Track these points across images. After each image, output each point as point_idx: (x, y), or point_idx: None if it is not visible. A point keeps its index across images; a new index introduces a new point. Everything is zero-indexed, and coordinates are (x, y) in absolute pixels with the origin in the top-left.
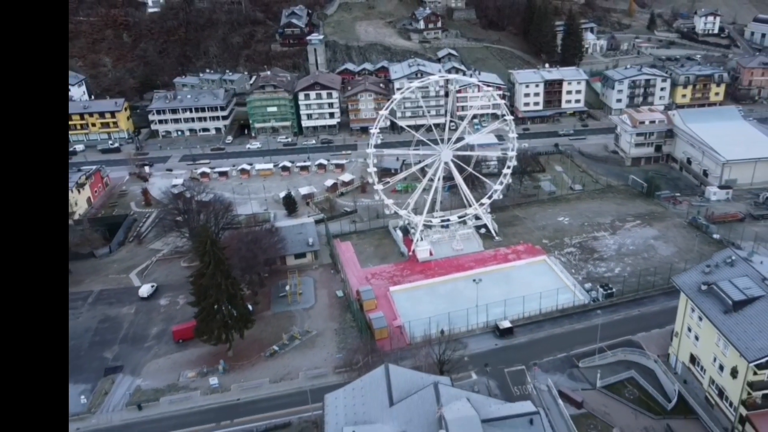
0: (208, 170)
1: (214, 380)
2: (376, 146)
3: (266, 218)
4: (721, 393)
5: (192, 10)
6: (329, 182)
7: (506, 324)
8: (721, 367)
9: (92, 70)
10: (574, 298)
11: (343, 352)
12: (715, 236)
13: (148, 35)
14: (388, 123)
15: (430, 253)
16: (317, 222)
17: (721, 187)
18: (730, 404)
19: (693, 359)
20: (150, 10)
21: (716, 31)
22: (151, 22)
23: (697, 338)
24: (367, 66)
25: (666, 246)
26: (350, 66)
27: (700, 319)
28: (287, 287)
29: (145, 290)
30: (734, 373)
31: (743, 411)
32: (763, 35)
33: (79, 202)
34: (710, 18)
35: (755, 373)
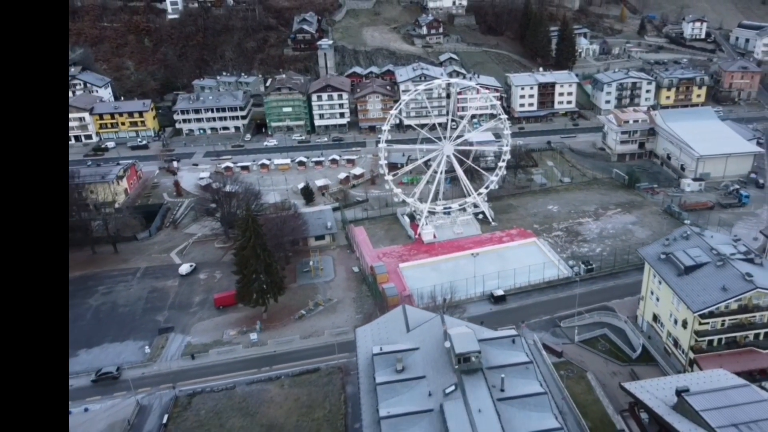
0: (231, 165)
1: (254, 336)
2: (386, 142)
3: (289, 206)
4: (675, 343)
5: (209, 16)
6: (342, 175)
7: (500, 292)
8: (675, 321)
9: (116, 72)
10: (559, 272)
11: (361, 314)
12: (686, 222)
13: (168, 40)
14: (397, 121)
15: (434, 236)
16: (333, 210)
17: (694, 179)
18: (683, 351)
19: (655, 318)
20: (170, 16)
21: (703, 36)
22: (171, 27)
23: (657, 299)
24: (374, 69)
25: (642, 230)
26: (358, 69)
27: (660, 282)
28: (310, 263)
29: (184, 269)
30: (684, 324)
31: (692, 355)
32: (747, 40)
33: (119, 192)
34: (697, 24)
35: (700, 323)
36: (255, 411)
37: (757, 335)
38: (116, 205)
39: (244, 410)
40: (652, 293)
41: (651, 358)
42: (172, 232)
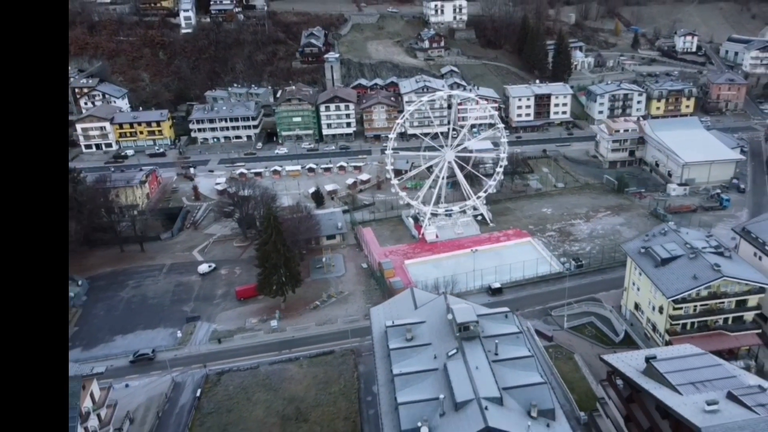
0: (245, 171)
1: (274, 323)
2: (392, 149)
3: (303, 208)
4: (654, 327)
5: (221, 31)
6: (350, 181)
7: (497, 285)
8: (653, 308)
9: (132, 84)
10: (551, 268)
11: (370, 304)
12: (670, 224)
13: (182, 53)
14: (402, 130)
15: (436, 236)
16: (343, 212)
17: (680, 184)
18: (660, 335)
19: (636, 306)
20: (183, 31)
21: (694, 49)
22: (184, 41)
23: (638, 289)
24: (378, 81)
25: (629, 230)
26: (363, 81)
27: (640, 274)
28: (323, 260)
29: (203, 268)
30: (661, 310)
31: (668, 338)
32: (736, 53)
33: (141, 196)
34: (688, 38)
35: (674, 309)
36: (278, 386)
37: (726, 320)
38: (139, 208)
39: (267, 386)
40: (633, 284)
41: (632, 342)
42: (192, 233)
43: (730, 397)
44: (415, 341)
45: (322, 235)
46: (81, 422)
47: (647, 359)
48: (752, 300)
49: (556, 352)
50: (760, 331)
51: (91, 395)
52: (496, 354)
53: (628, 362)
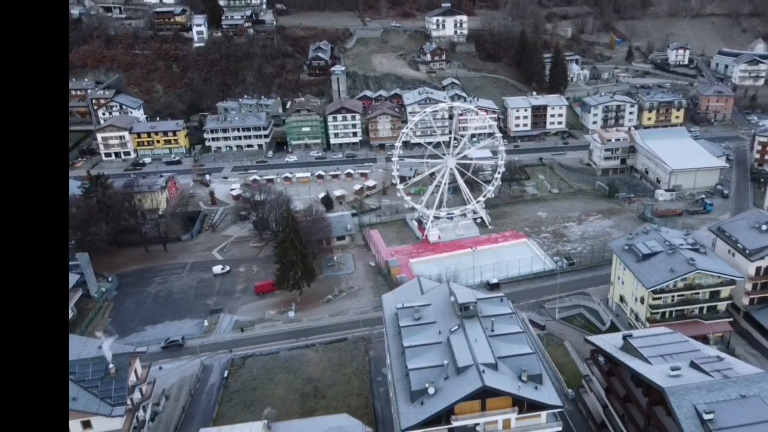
0: (257, 178)
1: (291, 314)
2: (398, 157)
3: (316, 211)
4: (636, 317)
5: (232, 44)
6: (357, 187)
7: (494, 281)
8: (636, 299)
9: (146, 95)
10: (545, 266)
11: (378, 298)
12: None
13: (194, 66)
14: (407, 139)
15: (439, 237)
16: (352, 215)
17: (667, 190)
18: (641, 323)
19: (621, 298)
20: (196, 45)
21: (686, 62)
22: (197, 55)
23: (623, 282)
24: (383, 93)
25: (618, 232)
26: (368, 93)
27: (624, 268)
28: (334, 258)
29: (217, 269)
30: (642, 300)
31: (648, 326)
32: (726, 66)
33: (161, 201)
34: (680, 51)
35: (653, 299)
36: (297, 369)
37: (701, 309)
38: (160, 212)
39: (287, 368)
40: (618, 278)
41: (617, 330)
42: (211, 234)
43: (693, 365)
44: (422, 320)
45: (332, 236)
46: (128, 393)
47: (624, 337)
48: (724, 291)
49: (548, 339)
50: (731, 319)
51: (135, 372)
52: (492, 330)
53: (609, 341)
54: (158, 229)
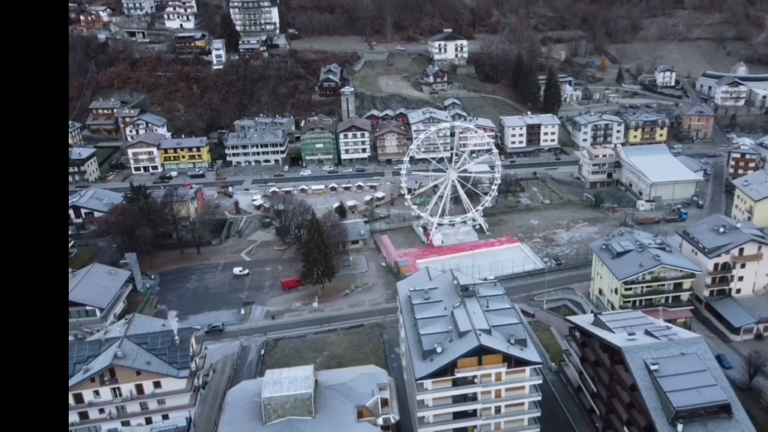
0: (276, 189)
1: (315, 304)
2: (405, 171)
3: (333, 218)
4: (612, 306)
5: (248, 67)
6: (367, 197)
7: (491, 278)
8: (611, 290)
9: (169, 114)
10: (535, 265)
11: (389, 292)
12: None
13: (213, 87)
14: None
15: (442, 242)
16: (364, 222)
17: (647, 200)
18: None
19: (600, 291)
20: (215, 67)
21: (672, 83)
22: (215, 76)
23: (601, 277)
24: (389, 112)
25: (602, 237)
26: (375, 112)
27: (601, 264)
28: (350, 259)
29: (236, 270)
30: (616, 291)
31: None
32: (710, 87)
33: (192, 210)
34: (667, 73)
35: (625, 289)
36: (322, 348)
37: (667, 298)
38: (191, 219)
39: (314, 348)
40: (597, 273)
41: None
42: (238, 239)
43: (646, 332)
44: (431, 300)
45: (348, 240)
46: (190, 361)
47: (595, 315)
48: (686, 283)
49: (536, 325)
50: (692, 307)
51: (192, 346)
52: (487, 306)
53: (583, 320)
54: (193, 234)
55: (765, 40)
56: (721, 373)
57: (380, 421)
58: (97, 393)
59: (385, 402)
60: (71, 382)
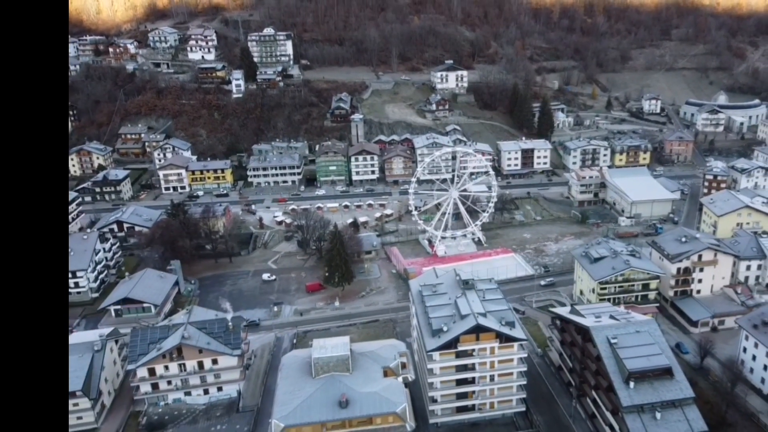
0: (295, 207)
1: (336, 303)
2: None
3: (349, 232)
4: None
5: (265, 96)
6: (377, 214)
7: None
8: (590, 290)
9: (192, 139)
10: (526, 272)
11: (400, 293)
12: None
13: (233, 114)
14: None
15: (445, 252)
16: (377, 235)
17: (628, 217)
18: None
19: (581, 292)
20: (234, 95)
21: (658, 110)
22: (235, 104)
23: (581, 279)
24: (395, 137)
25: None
26: (382, 137)
27: (582, 269)
28: (365, 266)
29: (265, 276)
30: (593, 290)
31: None
32: (692, 114)
33: (221, 225)
34: (653, 101)
35: (601, 289)
36: None
37: (636, 297)
38: (221, 233)
39: None
40: (579, 276)
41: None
42: (264, 250)
43: (610, 317)
44: (438, 292)
45: (362, 250)
46: (241, 343)
47: (571, 305)
48: (653, 284)
49: (526, 320)
50: (659, 305)
51: (241, 331)
52: (484, 297)
53: (563, 311)
54: (226, 245)
55: (746, 70)
56: (667, 346)
57: (400, 379)
58: (166, 368)
59: (404, 365)
60: (146, 358)
